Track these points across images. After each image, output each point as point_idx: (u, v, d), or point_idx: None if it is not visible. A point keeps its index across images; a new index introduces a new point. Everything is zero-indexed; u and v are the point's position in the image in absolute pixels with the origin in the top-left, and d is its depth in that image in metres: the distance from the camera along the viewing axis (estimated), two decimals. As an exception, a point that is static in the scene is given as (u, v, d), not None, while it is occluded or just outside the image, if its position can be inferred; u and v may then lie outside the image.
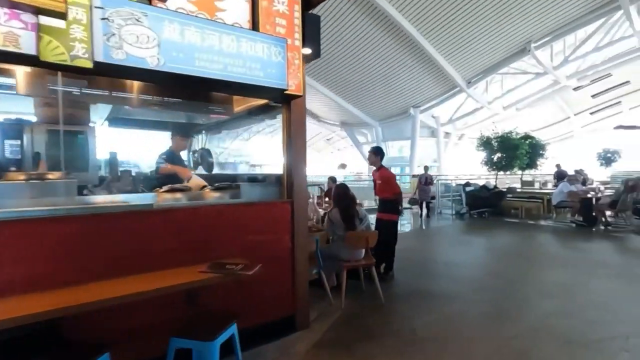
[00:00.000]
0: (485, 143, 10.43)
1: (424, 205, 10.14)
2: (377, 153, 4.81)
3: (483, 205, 9.79)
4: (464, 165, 24.48)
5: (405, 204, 12.14)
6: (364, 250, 3.76)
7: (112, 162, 4.13)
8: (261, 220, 2.85)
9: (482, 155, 10.55)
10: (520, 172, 11.15)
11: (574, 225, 8.17)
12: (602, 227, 7.84)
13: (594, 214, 8.03)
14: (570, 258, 5.62)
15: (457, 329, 3.13)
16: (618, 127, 11.29)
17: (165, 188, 2.58)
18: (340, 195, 3.82)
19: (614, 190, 8.78)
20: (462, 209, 9.97)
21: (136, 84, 3.20)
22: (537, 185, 12.63)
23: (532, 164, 10.67)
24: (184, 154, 4.59)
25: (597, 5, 16.88)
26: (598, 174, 15.70)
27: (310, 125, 38.71)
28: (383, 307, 3.62)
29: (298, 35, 2.77)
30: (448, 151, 28.40)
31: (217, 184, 2.89)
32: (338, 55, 20.13)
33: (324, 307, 3.57)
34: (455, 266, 5.18)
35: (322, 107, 28.47)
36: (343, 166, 45.75)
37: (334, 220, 3.74)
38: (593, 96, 25.91)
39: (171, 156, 3.39)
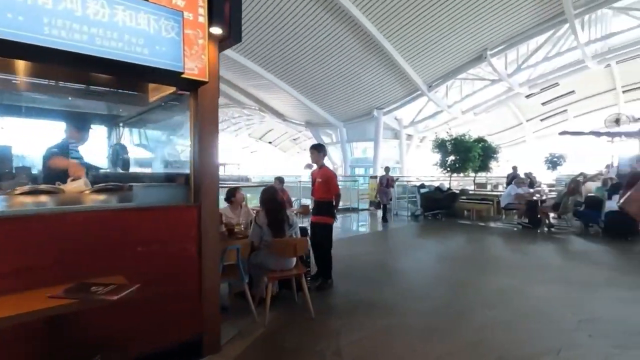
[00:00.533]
0: (440, 145, 10.46)
1: (383, 207, 9.75)
2: (319, 149, 4.44)
3: (437, 207, 9.78)
4: (425, 167, 24.96)
5: (363, 205, 12.03)
6: (294, 259, 3.38)
7: (3, 157, 3.48)
8: (158, 229, 2.39)
9: (438, 157, 10.58)
10: (473, 174, 11.30)
11: (520, 226, 8.30)
12: (546, 229, 8.00)
13: (538, 216, 8.19)
14: (514, 262, 5.57)
15: (387, 347, 2.83)
16: (563, 133, 11.78)
17: (20, 190, 2.06)
18: (267, 198, 3.42)
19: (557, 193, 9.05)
20: (417, 211, 9.91)
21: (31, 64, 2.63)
22: (489, 187, 12.90)
23: (484, 167, 10.84)
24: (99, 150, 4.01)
25: (546, 18, 17.67)
26: (546, 177, 16.44)
27: (276, 124, 38.11)
28: (312, 322, 3.25)
29: (203, 11, 2.34)
30: (410, 153, 28.85)
31: (97, 185, 2.39)
32: (302, 54, 19.77)
33: (246, 325, 3.15)
34: (399, 272, 4.94)
35: (287, 107, 27.99)
36: (309, 166, 45.35)
37: (261, 225, 3.33)
38: (543, 104, 27.34)
39: (63, 149, 2.84)
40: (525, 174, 14.10)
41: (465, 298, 3.93)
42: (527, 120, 28.66)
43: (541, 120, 27.78)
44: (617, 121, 10.99)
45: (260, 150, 50.80)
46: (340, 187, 4.60)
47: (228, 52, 19.73)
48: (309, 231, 4.30)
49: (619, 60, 21.72)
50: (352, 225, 9.49)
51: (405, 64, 20.37)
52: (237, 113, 36.91)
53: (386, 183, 9.54)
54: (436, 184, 10.60)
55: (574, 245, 6.77)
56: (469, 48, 19.53)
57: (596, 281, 4.42)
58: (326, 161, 4.55)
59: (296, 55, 19.97)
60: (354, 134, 27.35)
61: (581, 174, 8.27)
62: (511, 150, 30.93)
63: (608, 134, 11.25)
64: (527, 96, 25.93)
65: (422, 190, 9.87)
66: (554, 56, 19.83)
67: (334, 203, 4.32)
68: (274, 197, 3.43)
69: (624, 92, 23.71)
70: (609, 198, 7.52)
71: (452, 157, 10.26)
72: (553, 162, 15.49)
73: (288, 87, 23.07)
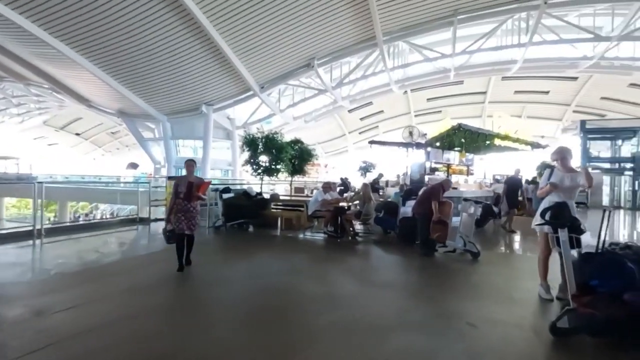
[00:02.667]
0: (250, 142, 8.79)
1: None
2: None
3: (243, 215, 7.98)
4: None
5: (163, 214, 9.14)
6: None
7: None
8: None
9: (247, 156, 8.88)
10: (289, 177, 10.15)
11: (326, 236, 7.33)
12: (350, 237, 7.24)
13: (343, 224, 7.39)
14: (296, 294, 4.01)
15: None
16: (372, 142, 12.15)
17: None
18: None
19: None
20: (218, 221, 7.87)
21: None
22: (307, 192, 12.18)
23: (300, 170, 9.79)
24: None
25: (362, 39, 18.95)
26: (359, 183, 17.35)
27: (88, 112, 29.74)
28: None
29: None
30: (244, 156, 26.99)
31: None
32: (112, 29, 15.11)
33: None
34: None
35: (92, 89, 21.80)
36: (134, 165, 38.09)
37: None
38: (361, 119, 30.37)
39: None
40: (341, 179, 14.21)
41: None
42: (349, 132, 31.29)
43: (360, 133, 30.74)
44: (411, 134, 11.87)
45: (64, 143, 39.55)
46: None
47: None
48: None
49: (413, 89, 25.87)
50: (105, 247, 6.58)
51: (236, 60, 18.38)
52: (19, 91, 27.08)
53: (186, 192, 4.51)
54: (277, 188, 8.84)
55: (370, 259, 6.00)
56: (299, 54, 19.18)
57: (386, 319, 3.25)
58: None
59: (101, 26, 15.13)
60: (180, 130, 23.62)
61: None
62: (337, 158, 33.37)
63: (405, 144, 12.03)
64: (350, 110, 28.19)
65: (225, 196, 7.89)
66: (369, 75, 21.66)
67: None
68: None
69: (415, 115, 28.45)
70: (403, 204, 7.31)
71: (263, 157, 8.74)
72: (365, 169, 16.44)
73: (89, 64, 17.61)
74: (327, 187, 7.65)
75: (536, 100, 24.51)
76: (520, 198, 8.93)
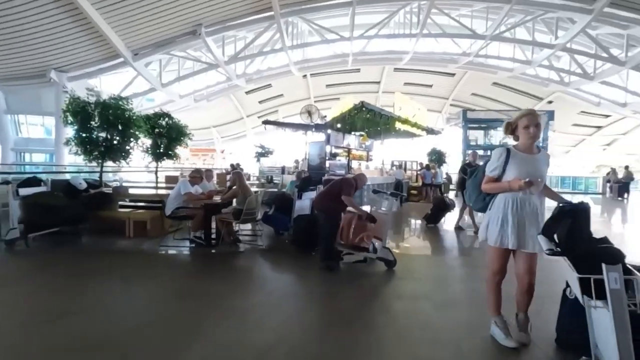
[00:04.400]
0: (77, 111, 5.69)
1: None
2: None
3: (60, 221, 5.01)
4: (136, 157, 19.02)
5: None
6: None
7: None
8: None
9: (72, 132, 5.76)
10: (154, 163, 7.31)
11: (193, 245, 5.00)
12: (229, 246, 5.08)
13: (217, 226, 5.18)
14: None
15: None
16: (266, 122, 10.08)
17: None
18: None
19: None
20: (11, 232, 4.73)
21: None
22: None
23: (168, 153, 7.07)
24: None
25: (257, 9, 16.41)
26: (255, 170, 15.08)
27: None
28: None
29: None
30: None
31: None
32: None
33: None
34: None
35: None
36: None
37: None
38: (260, 102, 27.82)
39: None
40: (232, 166, 11.78)
41: None
42: (248, 116, 28.53)
43: (259, 117, 28.22)
44: (310, 114, 10.17)
45: None
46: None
47: None
48: None
49: (312, 74, 24.52)
50: None
51: (96, 15, 13.83)
52: None
53: None
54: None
55: (248, 289, 3.91)
56: (181, 17, 15.47)
57: None
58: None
59: None
60: (20, 102, 17.48)
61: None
62: (234, 144, 30.24)
63: (303, 126, 10.27)
64: (247, 92, 25.36)
65: (25, 191, 4.79)
66: (267, 52, 19.24)
67: None
68: None
69: (315, 101, 27.25)
70: (299, 197, 5.47)
71: (102, 134, 5.79)
72: (261, 154, 14.29)
73: None
74: (197, 176, 5.26)
75: (422, 92, 25.83)
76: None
